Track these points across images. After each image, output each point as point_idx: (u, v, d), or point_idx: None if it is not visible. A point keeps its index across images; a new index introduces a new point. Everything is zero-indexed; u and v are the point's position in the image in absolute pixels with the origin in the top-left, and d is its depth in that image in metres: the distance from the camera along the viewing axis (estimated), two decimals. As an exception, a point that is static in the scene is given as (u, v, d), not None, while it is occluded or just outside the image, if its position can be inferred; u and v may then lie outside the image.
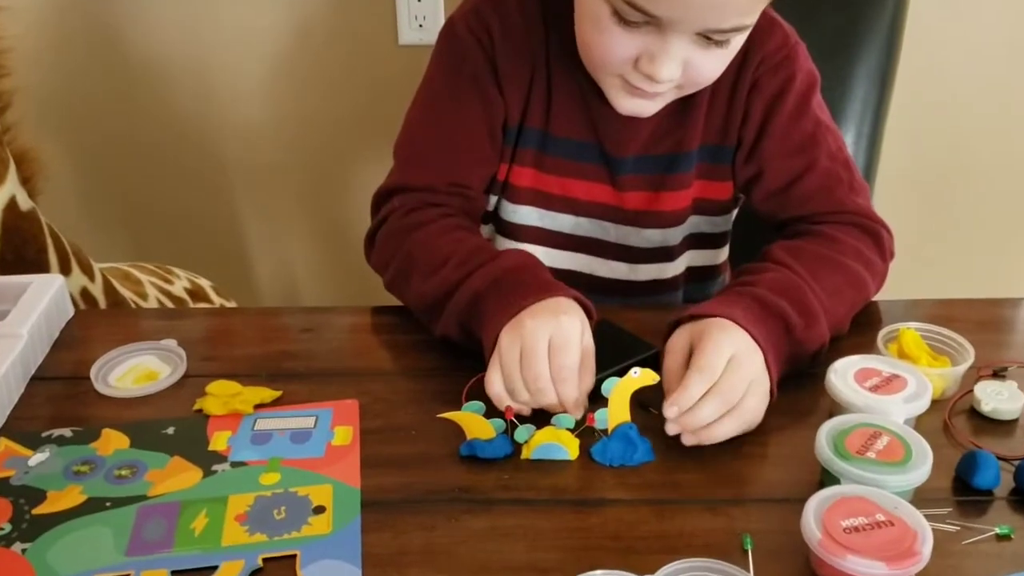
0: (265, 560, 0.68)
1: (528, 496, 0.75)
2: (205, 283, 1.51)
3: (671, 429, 0.77)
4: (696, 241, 1.07)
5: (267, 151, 1.74)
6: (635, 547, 0.70)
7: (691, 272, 1.09)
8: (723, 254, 1.11)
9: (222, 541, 0.70)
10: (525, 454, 0.78)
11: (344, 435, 0.80)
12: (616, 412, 0.78)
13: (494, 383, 0.79)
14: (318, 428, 0.81)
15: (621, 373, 0.78)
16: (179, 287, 1.44)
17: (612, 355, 0.84)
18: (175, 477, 0.76)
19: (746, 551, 0.69)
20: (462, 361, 0.88)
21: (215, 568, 0.68)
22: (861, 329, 0.93)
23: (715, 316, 0.80)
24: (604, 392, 0.78)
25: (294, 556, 0.68)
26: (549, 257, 1.05)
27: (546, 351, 0.78)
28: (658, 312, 1.00)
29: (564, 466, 0.77)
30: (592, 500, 0.74)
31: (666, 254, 1.05)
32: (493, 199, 1.06)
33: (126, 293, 1.27)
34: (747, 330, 0.79)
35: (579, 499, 0.74)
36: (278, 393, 0.86)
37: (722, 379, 0.76)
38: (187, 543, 0.70)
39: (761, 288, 0.85)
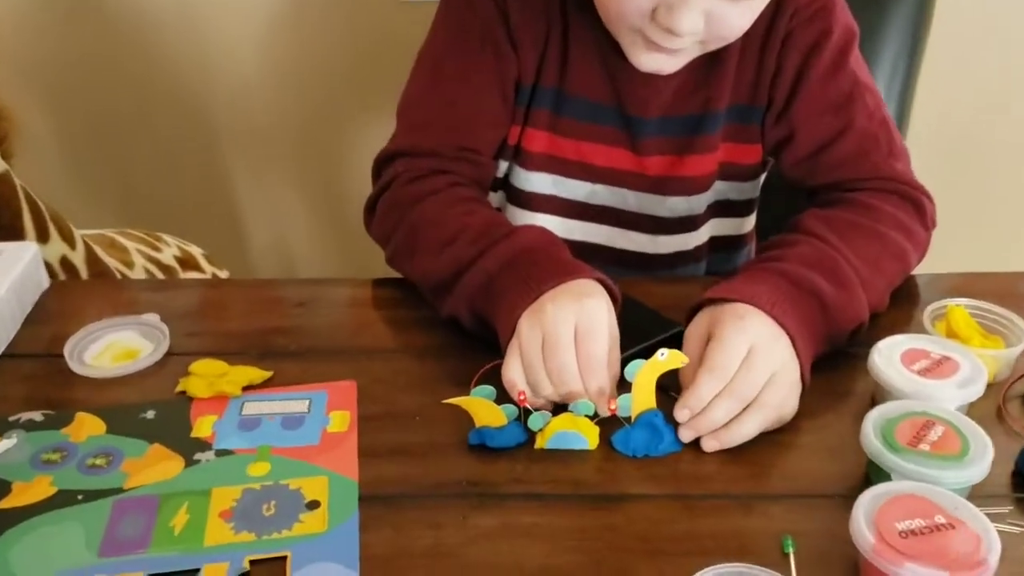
0: (252, 562, 0.61)
1: (543, 490, 0.68)
2: (196, 251, 1.44)
3: (685, 435, 0.70)
4: (721, 209, 1.00)
5: (262, 113, 1.67)
6: (664, 549, 0.63)
7: (715, 242, 1.02)
8: (749, 223, 1.04)
9: (204, 540, 0.63)
10: (540, 443, 0.71)
11: (340, 421, 0.73)
12: (640, 397, 0.70)
13: (512, 370, 0.72)
14: (312, 413, 0.74)
15: (645, 354, 0.71)
16: (168, 255, 1.36)
17: (634, 334, 0.77)
18: (154, 467, 0.69)
19: (787, 554, 0.62)
20: (472, 340, 0.81)
21: (196, 571, 0.61)
22: (899, 304, 0.86)
23: (735, 300, 0.73)
24: (627, 376, 0.70)
25: (284, 558, 0.62)
26: (564, 228, 0.97)
27: (572, 339, 0.71)
28: (680, 285, 0.93)
29: (583, 457, 0.70)
30: (614, 495, 0.67)
31: (690, 223, 0.98)
32: (504, 165, 0.98)
33: (111, 262, 1.19)
34: (770, 314, 0.72)
35: (600, 494, 0.67)
36: (268, 373, 0.78)
37: (737, 375, 0.69)
38: (166, 542, 0.63)
39: (791, 263, 0.77)
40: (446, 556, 0.62)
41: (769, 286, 0.75)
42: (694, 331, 0.75)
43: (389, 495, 0.67)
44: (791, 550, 0.62)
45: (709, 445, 0.70)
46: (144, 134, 1.68)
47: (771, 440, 0.71)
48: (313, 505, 0.66)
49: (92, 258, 1.14)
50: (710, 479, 0.69)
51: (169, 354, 0.82)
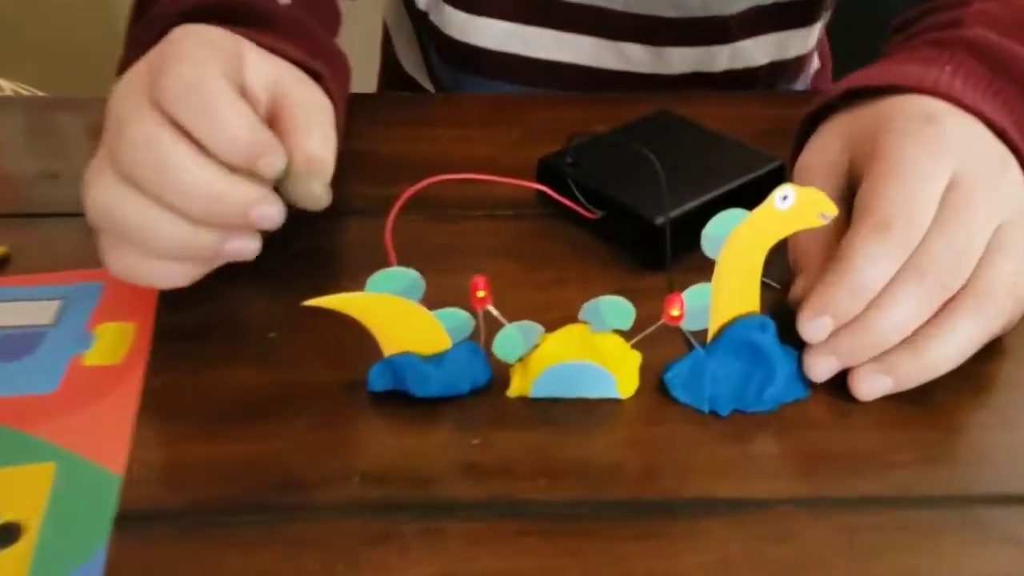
0: None
1: (526, 494, 0.31)
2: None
3: (821, 366, 0.35)
4: (768, 13, 0.61)
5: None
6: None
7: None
8: (812, 37, 0.65)
9: None
10: (518, 388, 0.34)
11: (114, 342, 0.37)
12: (729, 292, 0.34)
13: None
14: (61, 325, 0.38)
15: (733, 204, 0.34)
16: (-6, 100, 0.98)
17: (698, 177, 0.41)
18: None
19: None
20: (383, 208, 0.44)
21: None
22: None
23: (908, 90, 0.39)
24: (707, 248, 0.33)
25: None
26: (523, 41, 0.62)
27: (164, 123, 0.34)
28: (741, 104, 0.56)
29: (609, 415, 0.34)
30: (676, 504, 0.31)
31: (716, 30, 0.60)
32: None
33: None
34: (979, 114, 0.38)
35: (646, 501, 0.31)
36: (2, 249, 0.42)
37: (931, 237, 0.34)
38: None
39: (976, 27, 0.42)
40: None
41: (956, 66, 0.40)
42: (818, 159, 0.40)
43: (188, 509, 0.31)
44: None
45: (874, 386, 0.34)
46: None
47: (975, 373, 0.36)
48: (8, 535, 0.29)
49: None
50: (879, 459, 0.33)
51: None
